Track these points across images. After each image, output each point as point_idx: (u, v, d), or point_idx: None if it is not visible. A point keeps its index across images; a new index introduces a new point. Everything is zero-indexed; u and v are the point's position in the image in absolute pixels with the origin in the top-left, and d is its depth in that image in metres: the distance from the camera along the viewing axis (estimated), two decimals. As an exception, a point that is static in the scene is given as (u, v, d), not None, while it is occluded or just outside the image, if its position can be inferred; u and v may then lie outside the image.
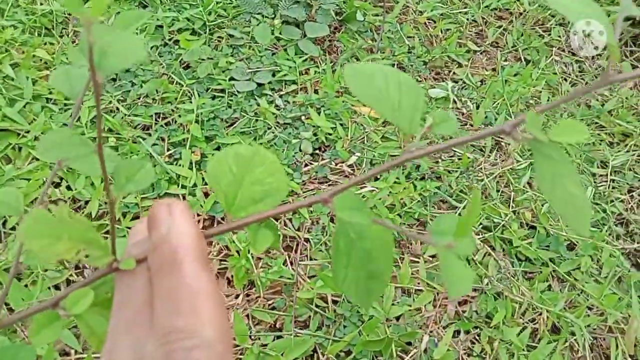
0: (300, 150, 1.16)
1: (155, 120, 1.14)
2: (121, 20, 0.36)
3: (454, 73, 1.45)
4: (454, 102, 1.35)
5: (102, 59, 0.29)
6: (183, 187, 1.03)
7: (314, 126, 1.19)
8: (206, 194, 1.05)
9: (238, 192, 0.32)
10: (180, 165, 1.06)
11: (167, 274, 0.26)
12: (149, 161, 0.33)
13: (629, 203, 1.23)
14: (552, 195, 0.29)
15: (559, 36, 1.58)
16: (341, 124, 1.20)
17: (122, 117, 1.12)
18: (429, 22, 1.56)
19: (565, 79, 1.50)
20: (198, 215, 1.03)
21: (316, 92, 1.27)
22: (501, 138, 1.28)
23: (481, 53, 1.53)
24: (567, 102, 0.30)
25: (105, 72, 0.30)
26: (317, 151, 1.18)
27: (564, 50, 1.58)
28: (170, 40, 1.30)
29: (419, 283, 0.99)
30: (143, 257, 0.30)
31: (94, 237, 0.30)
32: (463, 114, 1.35)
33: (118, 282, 0.29)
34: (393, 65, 1.38)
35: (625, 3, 0.31)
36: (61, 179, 1.02)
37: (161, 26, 1.31)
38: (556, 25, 1.62)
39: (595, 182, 1.25)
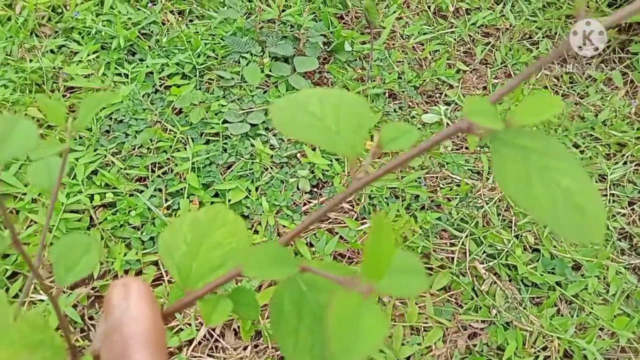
0: (298, 189, 1.16)
1: (152, 170, 1.14)
2: (88, 103, 0.35)
3: (445, 95, 1.45)
4: (448, 125, 1.35)
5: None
6: (184, 239, 1.03)
7: (310, 163, 1.19)
8: (207, 244, 1.04)
9: (193, 262, 0.29)
10: (179, 216, 1.06)
11: None
12: (93, 247, 0.31)
13: (631, 216, 1.23)
14: (533, 201, 0.21)
15: (547, 49, 1.59)
16: (337, 159, 1.20)
17: (118, 171, 1.12)
18: (417, 46, 1.56)
19: (557, 92, 1.50)
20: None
21: (310, 127, 1.27)
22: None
23: (471, 72, 1.54)
24: (531, 73, 0.24)
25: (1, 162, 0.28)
26: (315, 189, 1.18)
27: (553, 63, 1.58)
28: (161, 86, 1.30)
29: (426, 319, 0.99)
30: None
31: (45, 338, 0.27)
32: (458, 136, 1.35)
33: None
34: (384, 93, 1.39)
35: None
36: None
37: (151, 73, 1.31)
38: (543, 37, 1.63)
39: (595, 197, 1.25)
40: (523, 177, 0.22)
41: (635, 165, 1.33)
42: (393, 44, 1.55)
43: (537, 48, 1.59)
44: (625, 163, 1.32)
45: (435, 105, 1.41)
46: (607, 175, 1.28)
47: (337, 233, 1.10)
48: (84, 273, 0.29)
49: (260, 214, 1.09)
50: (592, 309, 1.04)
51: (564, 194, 0.21)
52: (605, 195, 1.26)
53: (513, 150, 0.22)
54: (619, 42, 1.64)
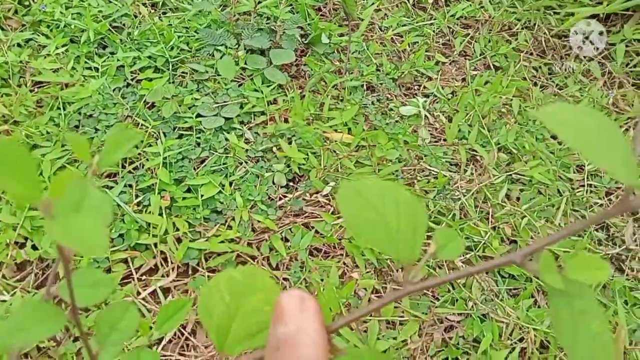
0: (274, 184, 1.14)
1: (122, 166, 1.12)
2: (113, 140, 0.36)
3: (424, 87, 1.44)
4: (426, 117, 1.34)
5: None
6: (154, 236, 1.00)
7: (285, 157, 1.17)
8: (178, 240, 1.02)
9: (232, 325, 0.30)
10: (149, 212, 1.03)
11: None
12: (132, 306, 0.33)
13: (608, 206, 1.23)
14: (574, 342, 0.25)
15: (526, 40, 1.58)
16: (313, 153, 1.18)
17: (86, 167, 1.09)
18: (395, 37, 1.55)
19: (536, 84, 1.49)
20: (171, 263, 1.00)
21: (286, 121, 1.25)
22: (475, 151, 1.27)
23: (450, 64, 1.53)
24: (576, 228, 0.27)
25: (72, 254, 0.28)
26: (291, 183, 1.16)
27: (532, 54, 1.58)
28: (132, 80, 1.27)
29: (402, 313, 0.98)
30: None
31: None
32: (436, 129, 1.34)
33: None
34: (362, 85, 1.37)
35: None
36: (26, 238, 0.99)
37: (122, 66, 1.28)
38: (522, 29, 1.62)
39: (572, 187, 1.24)
40: (570, 323, 0.25)
41: (613, 156, 1.33)
42: (371, 36, 1.53)
43: (516, 39, 1.58)
44: (603, 153, 1.32)
45: (414, 97, 1.40)
46: (584, 166, 1.28)
47: (312, 227, 1.08)
48: (129, 331, 0.33)
49: (234, 209, 1.07)
50: (569, 299, 1.04)
51: (594, 338, 0.24)
52: (583, 185, 1.25)
53: (560, 297, 0.26)
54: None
